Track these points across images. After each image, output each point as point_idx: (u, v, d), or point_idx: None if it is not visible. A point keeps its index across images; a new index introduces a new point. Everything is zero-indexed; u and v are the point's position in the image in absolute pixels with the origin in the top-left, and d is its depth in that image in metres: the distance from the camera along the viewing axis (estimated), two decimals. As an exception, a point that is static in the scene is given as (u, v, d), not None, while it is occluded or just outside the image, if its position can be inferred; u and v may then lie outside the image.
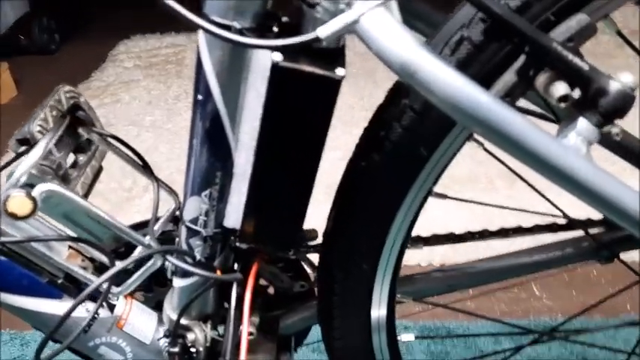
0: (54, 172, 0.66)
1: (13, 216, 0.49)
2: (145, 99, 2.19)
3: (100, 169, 0.78)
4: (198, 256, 0.57)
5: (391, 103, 0.52)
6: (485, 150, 0.55)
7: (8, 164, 0.62)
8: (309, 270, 0.73)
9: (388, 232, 0.57)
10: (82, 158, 0.70)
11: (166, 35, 2.66)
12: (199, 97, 0.50)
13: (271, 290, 0.74)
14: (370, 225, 0.57)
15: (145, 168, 0.61)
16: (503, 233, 0.67)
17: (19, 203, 0.49)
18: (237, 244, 0.55)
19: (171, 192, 0.62)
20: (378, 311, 0.64)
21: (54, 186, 0.53)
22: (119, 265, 0.54)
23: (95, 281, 0.55)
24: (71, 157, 0.70)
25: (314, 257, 0.72)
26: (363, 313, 0.63)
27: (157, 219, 0.62)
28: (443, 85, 0.41)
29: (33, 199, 0.50)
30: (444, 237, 0.67)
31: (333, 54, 0.48)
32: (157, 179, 0.61)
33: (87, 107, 0.81)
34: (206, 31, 0.42)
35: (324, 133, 0.49)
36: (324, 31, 0.40)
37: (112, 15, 3.01)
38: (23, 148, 0.66)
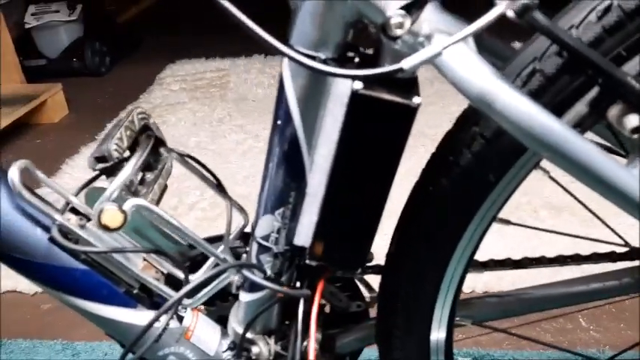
0: (127, 189, 0.70)
1: (106, 228, 0.53)
2: (190, 121, 2.26)
3: (165, 187, 0.82)
4: (268, 272, 0.59)
5: (461, 130, 0.54)
6: (551, 178, 0.57)
7: (92, 181, 0.66)
8: (364, 291, 0.75)
9: (452, 255, 0.58)
10: (149, 176, 0.74)
11: (211, 60, 2.74)
12: (279, 122, 0.53)
13: (327, 309, 0.76)
14: (435, 248, 0.58)
15: (219, 187, 0.65)
16: (561, 260, 0.68)
17: (112, 216, 0.53)
18: (307, 261, 0.58)
19: (242, 210, 0.65)
20: (438, 333, 0.65)
21: (143, 201, 0.57)
22: (197, 278, 0.56)
23: (175, 295, 0.58)
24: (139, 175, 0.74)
25: (369, 278, 0.75)
26: (424, 335, 0.64)
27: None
28: (519, 114, 0.44)
29: (124, 213, 0.53)
30: (503, 262, 0.68)
31: (407, 83, 0.50)
32: (230, 198, 0.64)
33: (155, 128, 0.85)
34: (295, 61, 0.46)
35: (398, 159, 0.51)
36: (407, 63, 0.43)
37: (159, 40, 3.12)
38: (100, 166, 0.70)
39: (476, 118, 0.53)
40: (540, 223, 1.48)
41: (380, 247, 0.61)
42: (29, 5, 2.61)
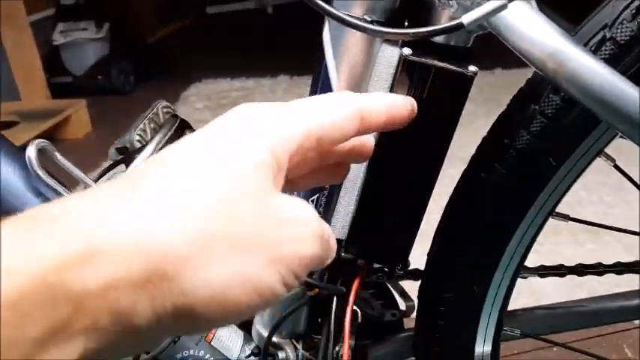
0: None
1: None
2: (213, 138, 2.23)
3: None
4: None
5: (517, 109, 0.49)
6: (616, 167, 0.51)
7: (110, 169, 0.62)
8: (399, 299, 0.69)
9: (502, 256, 0.53)
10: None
11: (236, 79, 2.73)
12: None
13: (359, 318, 0.70)
14: (484, 247, 0.53)
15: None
16: (618, 267, 0.62)
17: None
18: (343, 255, 0.52)
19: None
20: (483, 347, 0.59)
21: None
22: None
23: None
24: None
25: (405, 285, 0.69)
26: (467, 348, 0.58)
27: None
28: (593, 78, 0.38)
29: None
30: (554, 267, 0.62)
31: (461, 52, 0.46)
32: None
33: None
34: (341, 20, 0.41)
35: (451, 134, 0.46)
36: (468, 17, 0.38)
37: (185, 60, 3.14)
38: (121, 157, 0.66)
39: (535, 96, 0.47)
40: (579, 246, 1.40)
41: (417, 252, 0.55)
42: (58, 23, 2.63)
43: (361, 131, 0.33)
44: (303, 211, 0.28)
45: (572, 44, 0.39)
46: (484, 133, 0.52)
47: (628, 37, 0.43)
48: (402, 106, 0.36)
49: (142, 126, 0.69)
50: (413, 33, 0.40)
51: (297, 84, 2.61)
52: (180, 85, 2.73)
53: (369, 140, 0.38)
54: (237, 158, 0.27)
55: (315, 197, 0.52)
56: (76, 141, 2.38)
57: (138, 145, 0.66)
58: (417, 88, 0.44)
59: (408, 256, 0.52)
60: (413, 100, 0.37)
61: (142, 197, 0.25)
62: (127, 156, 0.65)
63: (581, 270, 0.61)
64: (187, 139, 0.28)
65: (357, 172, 0.50)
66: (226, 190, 0.26)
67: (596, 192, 1.52)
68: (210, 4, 3.91)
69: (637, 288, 0.65)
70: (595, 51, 0.44)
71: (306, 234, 0.28)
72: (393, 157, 0.47)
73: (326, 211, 0.53)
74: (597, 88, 0.38)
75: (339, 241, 0.53)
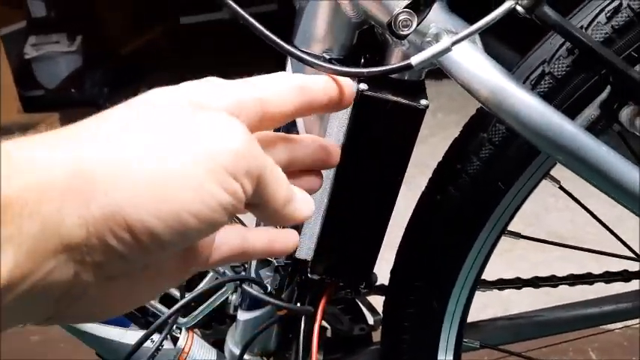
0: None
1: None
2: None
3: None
4: (269, 287, 0.57)
5: (468, 137, 0.52)
6: (561, 188, 0.55)
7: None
8: (367, 313, 0.72)
9: (459, 271, 0.56)
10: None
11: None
12: (280, 130, 0.52)
13: (329, 333, 0.73)
14: (442, 263, 0.56)
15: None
16: (572, 279, 0.66)
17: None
18: (309, 275, 0.55)
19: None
20: (445, 356, 0.62)
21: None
22: (190, 294, 0.54)
23: (166, 312, 0.55)
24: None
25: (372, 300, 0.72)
26: (431, 357, 0.61)
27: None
28: (530, 114, 0.42)
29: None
30: (511, 281, 0.65)
31: (413, 86, 0.49)
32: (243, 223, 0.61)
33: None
34: (300, 59, 0.44)
35: (405, 164, 0.49)
36: (416, 59, 0.41)
37: (161, 72, 3.14)
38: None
39: (484, 124, 0.51)
40: (547, 253, 1.45)
41: (383, 268, 0.59)
42: (30, 36, 2.62)
43: (304, 104, 0.34)
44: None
45: (512, 82, 0.42)
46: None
47: (564, 72, 0.47)
48: (340, 85, 0.37)
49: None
50: (367, 72, 0.43)
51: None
52: (155, 97, 2.73)
53: (334, 148, 0.39)
54: (160, 104, 0.28)
55: (281, 221, 0.55)
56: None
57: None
58: (373, 119, 0.47)
59: (370, 275, 0.55)
60: (350, 80, 0.38)
61: (86, 134, 0.26)
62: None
63: (535, 282, 0.65)
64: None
65: (321, 196, 0.53)
66: (151, 119, 0.27)
67: (562, 199, 1.58)
68: (184, 14, 3.91)
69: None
70: (535, 85, 0.48)
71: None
72: (354, 183, 0.50)
73: (292, 234, 0.56)
74: (534, 122, 0.42)
75: (305, 262, 0.56)
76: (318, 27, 0.47)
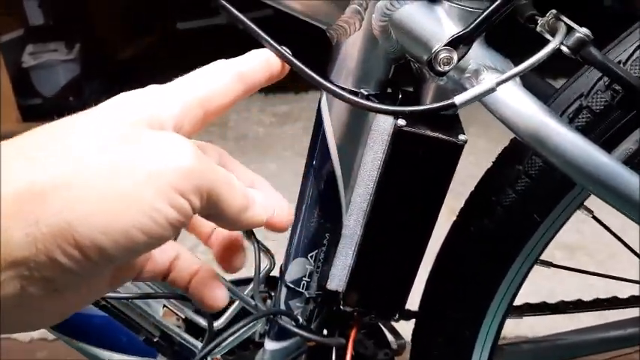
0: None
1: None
2: (190, 160, 2.23)
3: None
4: (300, 319, 0.56)
5: (503, 169, 0.52)
6: (594, 218, 0.55)
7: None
8: (390, 337, 0.72)
9: (492, 299, 0.56)
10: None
11: (210, 98, 2.73)
12: (315, 161, 0.51)
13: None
14: (475, 292, 0.56)
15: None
16: (598, 304, 0.66)
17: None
18: (342, 307, 0.55)
19: (268, 252, 0.62)
20: (473, 383, 0.62)
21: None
22: (230, 331, 0.53)
23: (199, 344, 0.54)
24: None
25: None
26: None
27: (249, 280, 0.62)
28: (573, 151, 0.42)
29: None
30: (539, 307, 0.65)
31: (450, 120, 0.49)
32: (256, 239, 0.61)
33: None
34: (340, 97, 0.44)
35: (442, 199, 0.49)
36: (460, 99, 0.41)
37: (158, 78, 3.12)
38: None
39: (519, 157, 0.51)
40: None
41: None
42: (27, 44, 2.60)
43: (245, 91, 0.35)
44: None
45: (555, 119, 0.42)
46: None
47: (602, 107, 0.47)
48: (276, 61, 0.39)
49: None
50: (409, 111, 0.43)
51: (271, 102, 2.63)
52: (154, 105, 2.71)
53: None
54: (109, 122, 0.29)
55: (313, 253, 0.55)
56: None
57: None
58: (411, 154, 0.47)
59: (404, 307, 0.55)
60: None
61: (41, 152, 0.27)
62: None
63: (563, 308, 0.65)
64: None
65: (354, 228, 0.53)
66: (101, 138, 0.28)
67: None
68: (181, 19, 3.90)
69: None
70: (572, 119, 0.48)
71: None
72: (390, 216, 0.50)
73: (324, 265, 0.55)
74: (577, 160, 0.42)
75: (337, 293, 0.56)
76: (355, 62, 0.47)
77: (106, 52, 3.03)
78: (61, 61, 2.60)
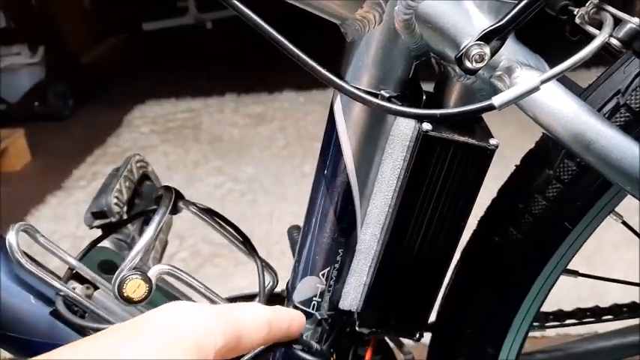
0: (128, 246, 0.62)
1: (128, 300, 0.44)
2: (163, 164, 2.16)
3: (166, 243, 0.74)
4: (314, 345, 0.51)
5: (530, 174, 0.48)
6: (624, 223, 0.52)
7: (96, 242, 0.57)
8: (396, 351, 0.68)
9: (517, 311, 0.52)
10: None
11: (182, 100, 2.66)
12: (326, 170, 0.47)
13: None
14: (499, 304, 0.52)
15: (245, 243, 0.57)
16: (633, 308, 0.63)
17: (136, 287, 0.44)
18: (357, 328, 0.50)
19: (270, 269, 0.58)
20: (493, 399, 0.58)
21: (167, 267, 0.48)
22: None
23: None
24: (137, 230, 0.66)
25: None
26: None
27: (252, 297, 0.57)
28: (620, 154, 0.38)
29: (149, 282, 0.45)
30: (556, 316, 0.62)
31: (475, 123, 0.45)
32: (258, 256, 0.56)
33: (154, 177, 0.78)
34: (360, 100, 0.39)
35: (470, 208, 0.45)
36: (500, 100, 0.37)
37: (125, 81, 3.03)
38: (98, 222, 0.62)
39: (549, 160, 0.47)
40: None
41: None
42: (-12, 49, 2.49)
43: (269, 340, 0.36)
44: None
45: (600, 121, 0.39)
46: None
47: (644, 105, 0.43)
48: (299, 319, 0.39)
49: (117, 186, 0.65)
50: (440, 114, 0.39)
51: (244, 102, 2.57)
52: (122, 108, 2.63)
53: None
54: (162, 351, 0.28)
55: (325, 271, 0.50)
56: (15, 173, 2.24)
57: (116, 208, 0.62)
58: (437, 161, 0.43)
59: (426, 324, 0.51)
60: (303, 315, 0.40)
61: None
62: (110, 226, 0.60)
63: (580, 314, 0.62)
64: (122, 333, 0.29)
65: (370, 243, 0.48)
66: None
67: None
68: (146, 20, 3.80)
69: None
70: (609, 117, 0.44)
71: None
72: (413, 229, 0.46)
73: (336, 284, 0.51)
74: (624, 164, 0.38)
75: (350, 312, 0.51)
76: (373, 61, 0.42)
77: (71, 55, 2.92)
78: (25, 65, 2.50)
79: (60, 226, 1.81)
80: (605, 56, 0.39)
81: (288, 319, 0.38)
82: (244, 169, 2.05)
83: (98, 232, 0.61)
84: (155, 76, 3.07)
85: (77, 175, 2.12)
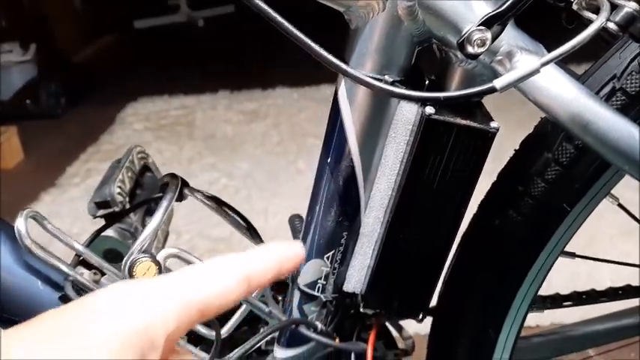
0: (132, 235, 0.62)
1: (139, 284, 0.45)
2: (158, 161, 2.11)
3: (167, 234, 0.75)
4: (319, 325, 0.53)
5: (530, 157, 0.49)
6: (620, 205, 0.53)
7: (101, 230, 0.58)
8: (397, 337, 0.69)
9: (516, 293, 0.53)
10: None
11: (174, 97, 2.66)
12: (330, 156, 0.48)
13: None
14: (499, 286, 0.53)
15: (250, 230, 0.58)
16: (630, 291, 0.64)
17: (146, 269, 0.45)
18: (362, 309, 0.51)
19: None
20: (493, 380, 0.59)
21: (176, 250, 0.49)
22: (244, 347, 0.49)
23: (206, 356, 0.50)
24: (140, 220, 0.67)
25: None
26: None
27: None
28: (618, 135, 0.40)
29: (158, 264, 0.46)
30: (567, 297, 0.63)
31: (476, 107, 0.46)
32: (261, 240, 0.57)
33: (154, 168, 0.79)
34: (365, 84, 0.40)
35: (471, 191, 0.46)
36: (501, 82, 0.38)
37: (118, 78, 3.02)
38: (102, 212, 0.62)
39: (547, 143, 0.48)
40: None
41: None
42: (-20, 46, 2.48)
43: (249, 292, 0.32)
44: None
45: (599, 103, 0.40)
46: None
47: (638, 88, 0.44)
48: (291, 257, 0.34)
49: (120, 177, 0.65)
50: (444, 97, 0.40)
51: (238, 99, 2.57)
52: (115, 105, 2.62)
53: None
54: (93, 346, 0.26)
55: (330, 254, 0.51)
56: (8, 172, 2.24)
57: (119, 198, 0.63)
58: (440, 144, 0.44)
59: (429, 306, 0.52)
60: (301, 244, 0.35)
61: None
62: (113, 215, 0.61)
63: (581, 299, 0.63)
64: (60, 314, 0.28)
65: (373, 226, 0.50)
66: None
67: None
68: (138, 18, 3.79)
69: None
70: (606, 101, 0.45)
71: None
72: (415, 211, 0.47)
73: (341, 266, 0.52)
74: (622, 145, 0.40)
75: (354, 294, 0.52)
76: (377, 47, 0.43)
77: (63, 52, 2.91)
78: (16, 63, 2.49)
79: (54, 224, 1.80)
80: (599, 45, 0.41)
81: (274, 264, 0.32)
82: (238, 165, 2.06)
83: (94, 227, 0.61)
84: (147, 73, 3.07)
85: (71, 172, 2.12)
